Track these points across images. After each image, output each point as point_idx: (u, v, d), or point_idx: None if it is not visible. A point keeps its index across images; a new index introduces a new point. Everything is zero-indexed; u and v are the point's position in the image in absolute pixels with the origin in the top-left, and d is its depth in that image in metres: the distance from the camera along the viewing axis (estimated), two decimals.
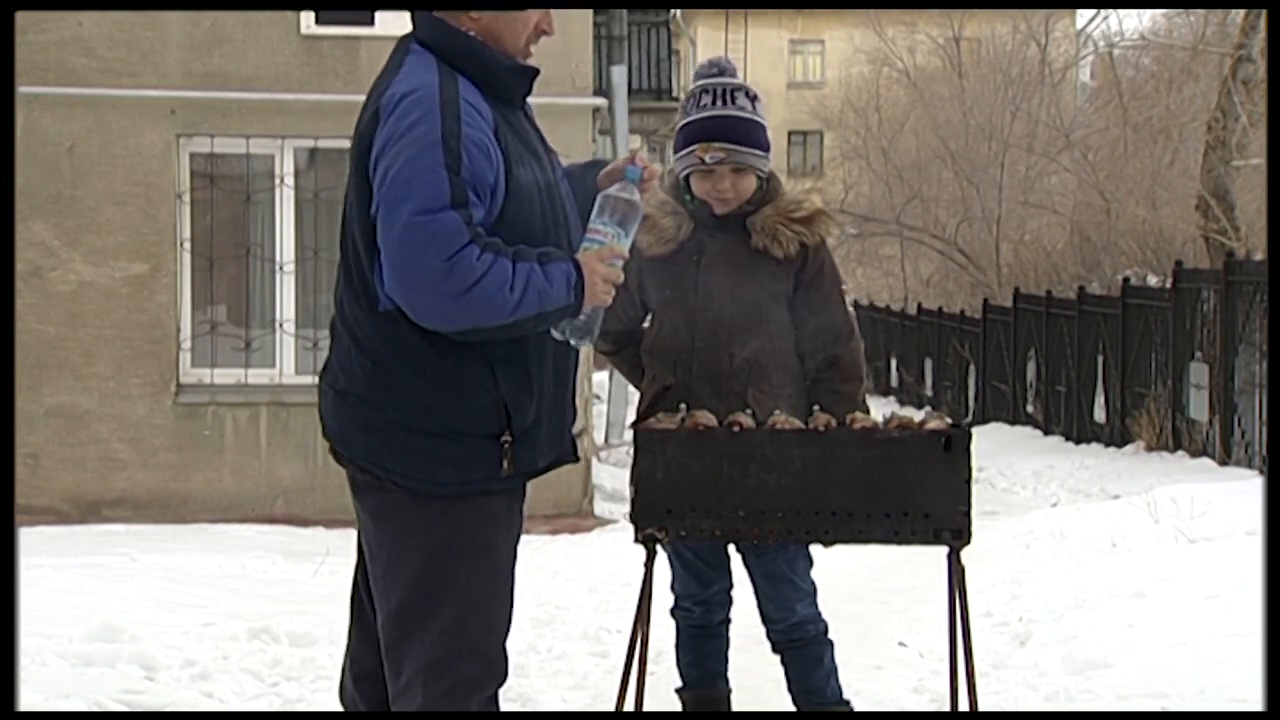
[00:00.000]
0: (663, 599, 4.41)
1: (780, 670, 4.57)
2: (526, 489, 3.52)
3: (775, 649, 4.44)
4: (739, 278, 4.30)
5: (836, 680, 4.42)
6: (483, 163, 3.23)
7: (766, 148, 4.34)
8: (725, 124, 4.30)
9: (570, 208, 3.50)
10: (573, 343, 3.39)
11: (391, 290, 3.23)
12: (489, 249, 3.18)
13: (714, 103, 4.33)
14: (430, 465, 3.32)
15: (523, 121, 3.45)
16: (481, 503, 3.35)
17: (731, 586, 4.49)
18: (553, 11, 3.47)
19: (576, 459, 3.58)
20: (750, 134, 4.30)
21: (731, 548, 4.41)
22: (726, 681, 4.56)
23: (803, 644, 4.38)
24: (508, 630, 3.43)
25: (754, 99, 4.36)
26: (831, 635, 4.45)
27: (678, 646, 4.57)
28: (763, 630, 4.51)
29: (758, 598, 4.40)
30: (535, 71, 3.46)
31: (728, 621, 4.54)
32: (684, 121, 4.38)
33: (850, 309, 4.39)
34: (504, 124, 3.34)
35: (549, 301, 3.24)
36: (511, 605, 3.43)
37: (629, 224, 3.39)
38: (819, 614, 4.40)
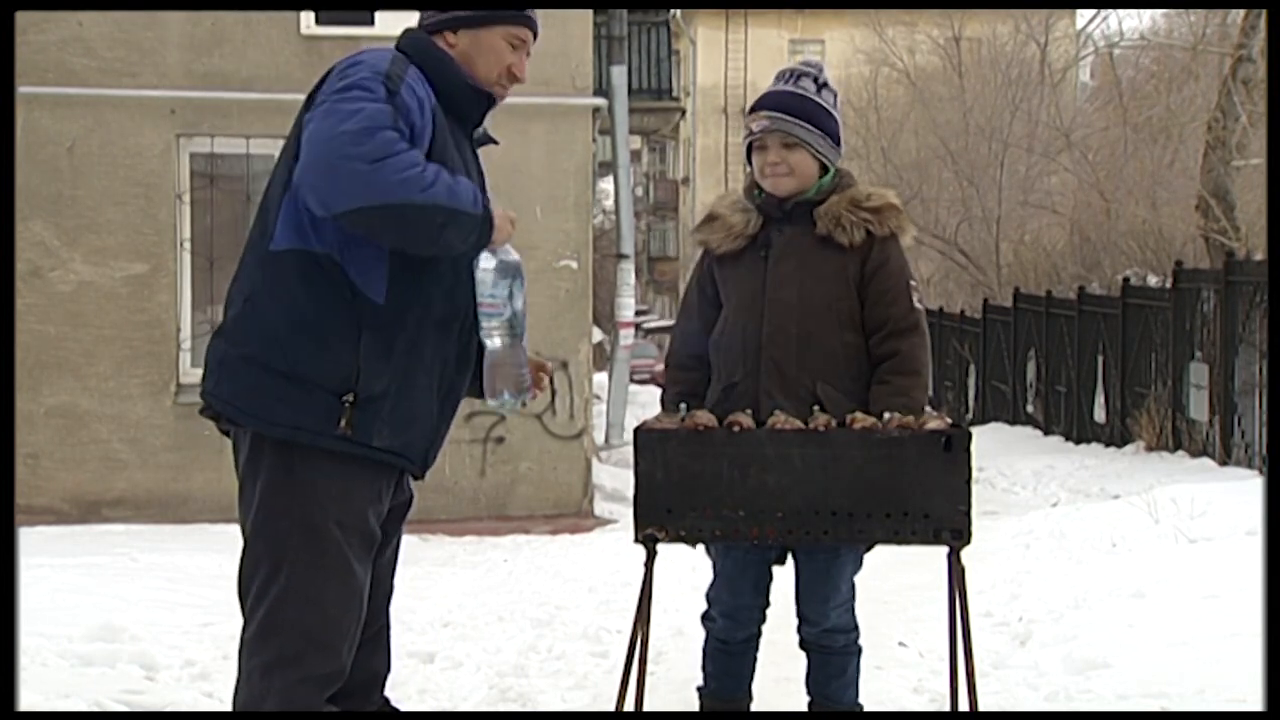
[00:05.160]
0: (663, 599, 4.40)
1: (781, 670, 4.57)
2: (388, 497, 3.52)
3: (802, 646, 4.40)
4: (807, 270, 4.23)
5: (855, 689, 4.40)
6: (415, 110, 3.37)
7: (829, 132, 4.27)
8: (776, 97, 4.29)
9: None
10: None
11: (307, 163, 3.25)
12: (405, 141, 3.29)
13: (776, 82, 4.34)
14: (267, 402, 3.36)
15: (465, 145, 3.58)
16: (314, 471, 3.35)
17: (765, 606, 4.43)
18: (539, 18, 3.64)
19: (418, 476, 3.58)
20: (802, 108, 4.25)
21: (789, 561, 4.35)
22: (749, 692, 4.51)
23: (831, 652, 4.36)
24: (349, 624, 3.42)
25: (821, 85, 4.30)
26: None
27: (703, 651, 4.51)
28: (771, 632, 4.50)
29: (797, 593, 4.35)
30: (492, 100, 3.59)
31: (753, 639, 4.46)
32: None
33: (919, 305, 4.28)
34: (446, 130, 3.47)
35: (457, 198, 3.29)
36: (349, 596, 3.41)
37: (519, 279, 3.45)
38: (854, 623, 4.37)
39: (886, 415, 3.99)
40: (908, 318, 4.23)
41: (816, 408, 4.05)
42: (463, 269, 3.49)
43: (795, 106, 4.25)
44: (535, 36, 3.64)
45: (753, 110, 4.34)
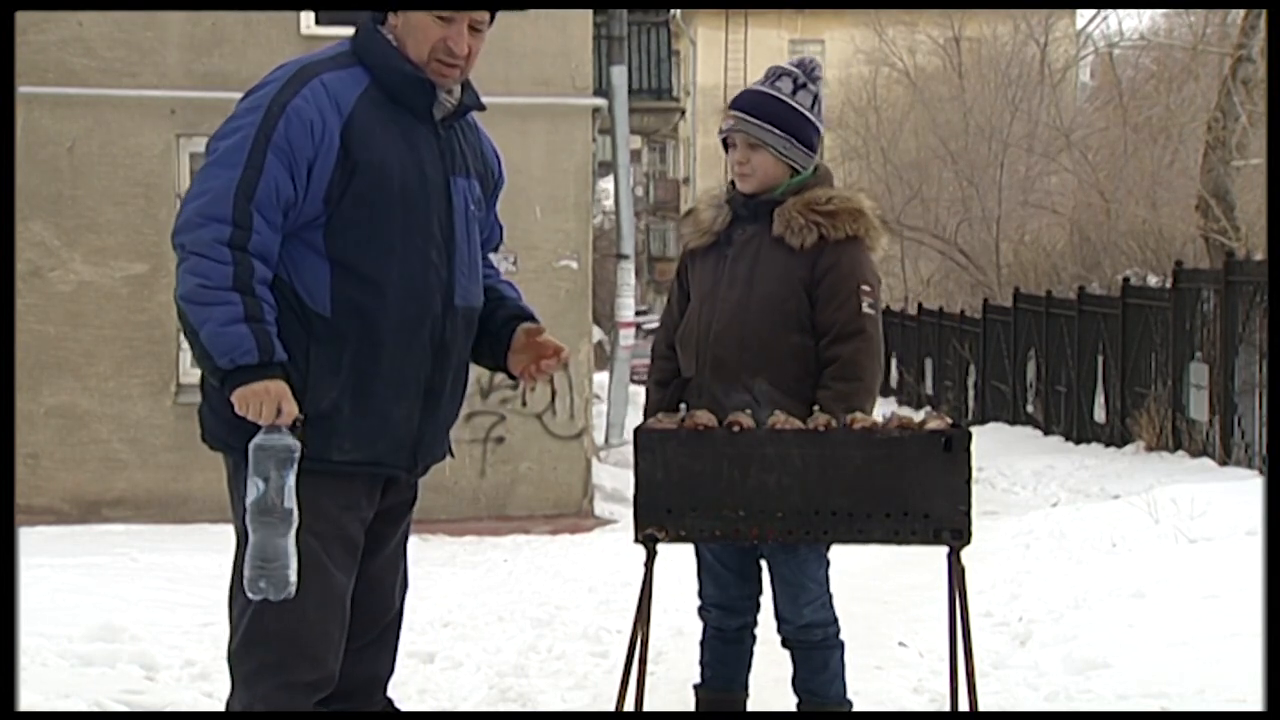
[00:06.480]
0: (663, 599, 4.40)
1: (781, 670, 4.57)
2: (372, 502, 3.49)
3: (784, 645, 4.44)
4: (758, 270, 4.29)
5: (841, 683, 4.42)
6: (300, 133, 3.33)
7: (794, 134, 4.30)
8: (749, 97, 4.36)
9: (461, 221, 3.53)
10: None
11: None
12: (237, 253, 3.26)
13: (758, 81, 4.40)
14: (228, 424, 3.40)
15: (420, 129, 3.47)
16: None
17: (758, 593, 4.46)
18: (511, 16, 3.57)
19: (411, 478, 3.54)
20: (769, 110, 4.29)
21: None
22: (744, 687, 4.53)
23: (810, 646, 4.38)
24: (332, 630, 3.42)
25: (799, 87, 4.32)
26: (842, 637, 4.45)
27: (701, 645, 4.56)
28: (766, 630, 4.51)
29: (774, 595, 4.40)
30: (425, 84, 3.48)
31: (748, 628, 4.49)
32: None
33: (869, 310, 4.28)
34: (381, 122, 3.41)
35: (207, 333, 3.25)
36: (330, 603, 3.41)
37: (283, 467, 3.30)
38: (831, 618, 4.39)
39: (886, 415, 4.01)
40: (853, 322, 4.25)
41: (797, 407, 4.06)
42: (427, 264, 3.44)
43: (760, 107, 4.31)
44: (491, 14, 3.51)
45: (729, 108, 4.41)
